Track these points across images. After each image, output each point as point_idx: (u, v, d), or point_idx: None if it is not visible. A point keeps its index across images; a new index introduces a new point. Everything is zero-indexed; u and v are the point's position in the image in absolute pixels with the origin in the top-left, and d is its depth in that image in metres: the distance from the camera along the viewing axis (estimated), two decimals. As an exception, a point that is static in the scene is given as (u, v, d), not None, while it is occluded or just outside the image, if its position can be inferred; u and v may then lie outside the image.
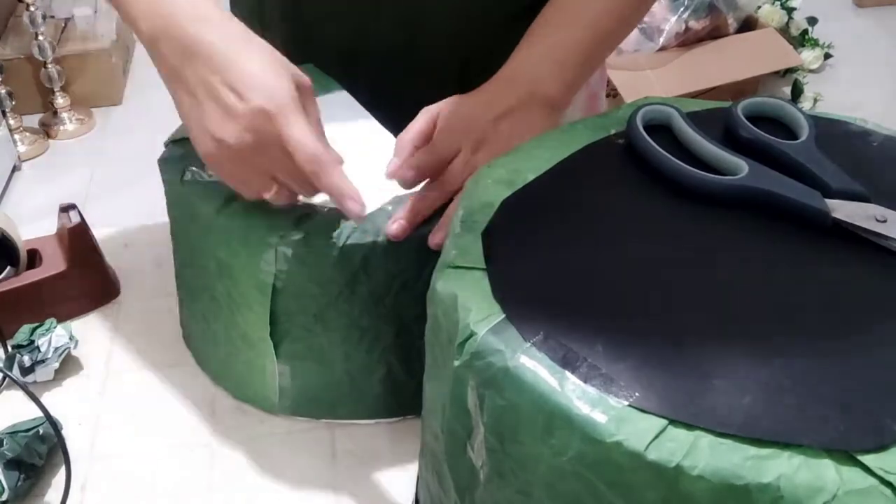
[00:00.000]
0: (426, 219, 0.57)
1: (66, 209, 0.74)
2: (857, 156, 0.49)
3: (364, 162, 0.57)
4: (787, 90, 2.44)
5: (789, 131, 0.51)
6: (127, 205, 2.17)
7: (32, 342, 0.67)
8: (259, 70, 0.51)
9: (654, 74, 2.13)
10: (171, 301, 0.75)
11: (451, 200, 0.57)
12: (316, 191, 0.54)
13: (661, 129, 0.51)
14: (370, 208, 0.54)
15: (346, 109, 0.68)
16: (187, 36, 0.52)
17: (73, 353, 0.70)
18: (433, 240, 0.56)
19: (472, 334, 0.38)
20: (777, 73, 2.42)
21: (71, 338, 0.69)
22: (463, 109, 0.59)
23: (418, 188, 0.58)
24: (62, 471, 0.60)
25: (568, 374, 0.36)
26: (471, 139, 0.58)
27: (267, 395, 0.63)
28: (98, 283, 0.76)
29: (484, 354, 0.38)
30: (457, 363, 0.39)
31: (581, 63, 0.63)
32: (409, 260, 0.57)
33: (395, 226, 0.56)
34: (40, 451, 0.61)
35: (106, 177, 2.31)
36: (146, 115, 2.54)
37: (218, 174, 0.56)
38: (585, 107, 0.85)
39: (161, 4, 0.53)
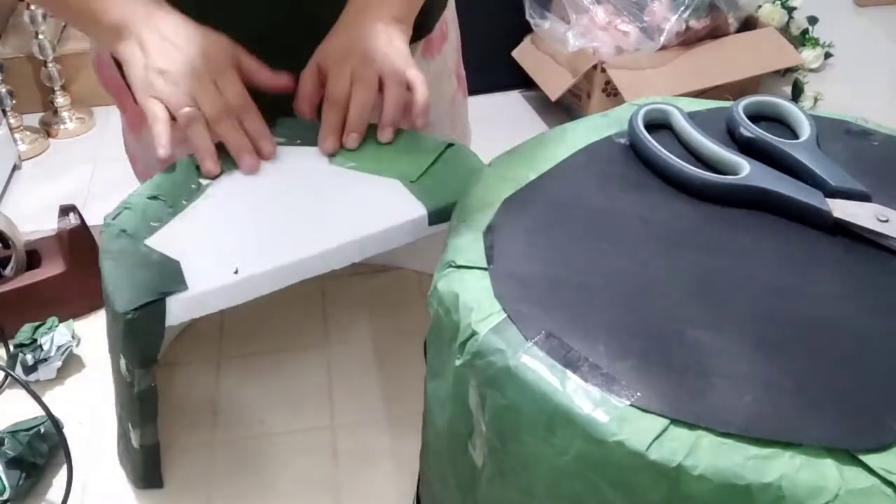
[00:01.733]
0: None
1: (65, 210, 0.75)
2: (858, 155, 0.49)
3: (312, 205, 0.60)
4: (788, 89, 2.44)
5: (790, 131, 0.51)
6: (127, 204, 2.18)
7: (35, 341, 0.67)
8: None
9: (654, 74, 2.13)
10: (171, 300, 0.75)
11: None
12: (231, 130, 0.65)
13: (662, 129, 0.51)
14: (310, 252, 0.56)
15: (311, 161, 0.66)
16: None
17: (75, 351, 0.70)
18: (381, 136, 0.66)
19: (473, 334, 0.39)
20: (777, 72, 2.42)
21: (73, 336, 0.69)
22: (337, 47, 0.69)
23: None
24: (63, 470, 0.60)
25: (569, 373, 0.36)
26: (350, 66, 0.67)
27: None
28: (97, 285, 0.75)
29: (485, 354, 0.38)
30: (458, 363, 0.39)
31: None
32: None
33: (326, 143, 0.65)
34: (42, 450, 0.61)
35: (106, 176, 2.31)
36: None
37: (168, 89, 0.64)
38: (455, 47, 0.90)
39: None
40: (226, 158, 0.65)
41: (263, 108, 0.68)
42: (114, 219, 0.59)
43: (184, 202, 0.60)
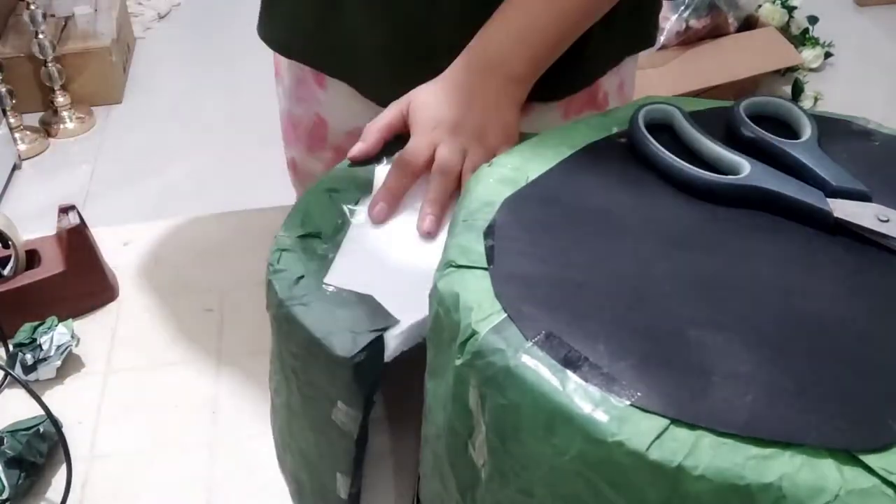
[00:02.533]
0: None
1: (65, 210, 0.75)
2: (859, 155, 0.49)
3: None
4: (788, 89, 2.44)
5: (791, 130, 0.51)
6: (127, 204, 2.18)
7: (34, 340, 0.67)
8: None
9: (654, 73, 2.13)
10: (170, 300, 0.75)
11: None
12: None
13: (662, 129, 0.51)
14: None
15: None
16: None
17: (75, 351, 0.70)
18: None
19: (473, 333, 0.38)
20: (777, 72, 2.42)
21: (72, 336, 0.69)
22: (430, 101, 0.63)
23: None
24: (63, 469, 0.60)
25: (569, 373, 0.36)
26: (463, 141, 0.61)
27: None
28: (96, 284, 0.76)
29: (485, 354, 0.38)
30: (458, 362, 0.39)
31: (545, 44, 0.66)
32: None
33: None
34: (41, 450, 0.61)
35: (106, 175, 2.31)
36: (146, 114, 2.54)
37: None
38: (616, 95, 0.84)
39: None
40: (358, 182, 0.62)
41: None
42: (279, 262, 0.56)
43: (337, 235, 0.58)
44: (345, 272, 0.55)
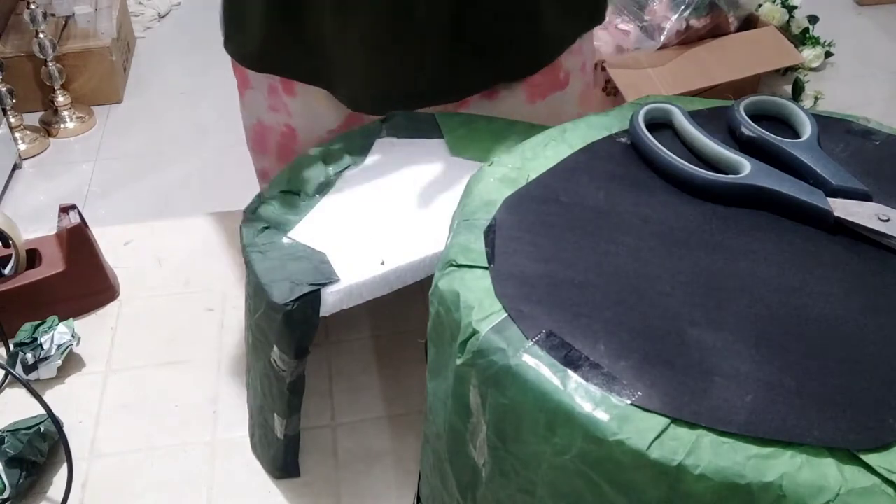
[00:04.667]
0: None
1: (65, 209, 0.75)
2: (860, 154, 0.49)
3: (433, 208, 0.60)
4: (788, 88, 2.44)
5: (791, 130, 0.51)
6: (127, 203, 2.18)
7: (35, 339, 0.67)
8: None
9: (655, 73, 2.13)
10: (170, 299, 0.75)
11: None
12: None
13: (663, 128, 0.51)
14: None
15: (432, 154, 0.66)
16: None
17: (75, 350, 0.70)
18: None
19: (474, 333, 0.38)
20: (778, 71, 2.42)
21: (73, 335, 0.69)
22: None
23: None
24: (64, 468, 0.60)
25: (570, 372, 0.36)
26: None
27: None
28: (97, 284, 0.76)
29: (486, 353, 0.38)
30: (459, 361, 0.39)
31: None
32: None
33: None
34: (42, 449, 0.61)
35: (106, 175, 2.31)
36: (146, 114, 2.54)
37: None
38: (580, 97, 0.86)
39: None
40: (352, 151, 0.65)
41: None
42: (253, 212, 0.60)
43: (316, 196, 0.62)
44: (309, 229, 0.59)
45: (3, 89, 2.34)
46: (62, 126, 2.47)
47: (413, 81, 0.76)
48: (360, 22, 0.74)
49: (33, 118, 2.49)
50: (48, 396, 0.67)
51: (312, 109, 0.82)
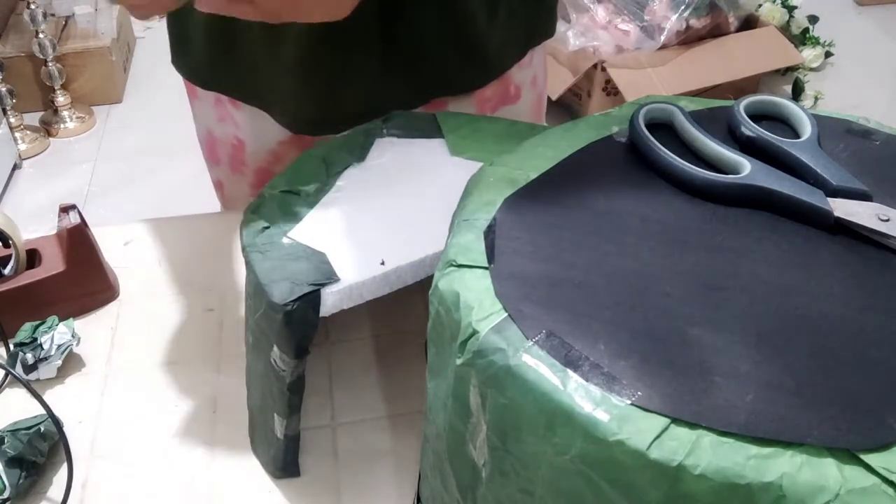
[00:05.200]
0: None
1: (66, 209, 0.75)
2: (860, 154, 0.49)
3: (430, 207, 0.60)
4: (788, 88, 2.44)
5: (791, 130, 0.51)
6: (127, 203, 2.18)
7: (35, 339, 0.67)
8: None
9: (655, 73, 2.13)
10: (170, 299, 0.75)
11: None
12: None
13: (663, 128, 0.51)
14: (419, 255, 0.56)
15: (433, 154, 0.67)
16: None
17: (75, 350, 0.70)
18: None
19: (473, 333, 0.38)
20: (778, 71, 2.42)
21: (73, 335, 0.69)
22: None
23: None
24: (64, 468, 0.60)
25: (570, 372, 0.36)
26: None
27: None
28: (97, 284, 0.76)
29: (486, 353, 0.38)
30: (459, 361, 0.39)
31: None
32: None
33: None
34: (42, 449, 0.61)
35: (106, 175, 2.31)
36: (146, 113, 2.54)
37: None
38: (532, 110, 0.86)
39: None
40: (352, 151, 0.65)
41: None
42: (253, 212, 0.61)
43: (316, 196, 0.62)
44: (309, 229, 0.59)
45: (3, 89, 2.35)
46: (62, 126, 2.48)
47: (345, 102, 0.76)
48: (286, 47, 0.74)
49: (33, 118, 2.50)
50: (48, 396, 0.67)
51: (259, 122, 0.83)
